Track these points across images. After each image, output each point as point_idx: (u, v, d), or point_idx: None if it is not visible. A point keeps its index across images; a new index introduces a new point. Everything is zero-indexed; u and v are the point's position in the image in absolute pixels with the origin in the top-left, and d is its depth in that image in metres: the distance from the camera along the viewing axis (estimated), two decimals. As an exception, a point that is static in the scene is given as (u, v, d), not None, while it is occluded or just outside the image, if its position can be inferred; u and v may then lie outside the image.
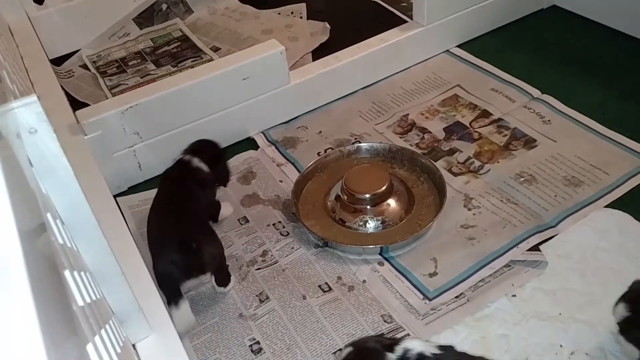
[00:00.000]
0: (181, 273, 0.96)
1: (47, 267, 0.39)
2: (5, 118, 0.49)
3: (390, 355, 0.73)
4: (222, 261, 1.04)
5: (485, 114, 1.36)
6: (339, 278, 1.05)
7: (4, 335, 0.28)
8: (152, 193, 1.27)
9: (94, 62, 1.66)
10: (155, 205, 1.07)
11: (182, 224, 1.01)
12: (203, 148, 1.14)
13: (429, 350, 0.74)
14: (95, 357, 0.46)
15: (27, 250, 0.32)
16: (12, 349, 0.28)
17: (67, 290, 0.46)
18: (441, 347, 0.76)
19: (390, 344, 0.76)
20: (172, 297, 0.94)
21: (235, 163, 1.32)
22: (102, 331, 0.54)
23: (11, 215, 0.33)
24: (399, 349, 0.74)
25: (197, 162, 1.10)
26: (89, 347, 0.45)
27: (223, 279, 1.04)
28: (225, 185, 1.20)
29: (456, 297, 0.98)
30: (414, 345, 0.74)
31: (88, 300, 0.53)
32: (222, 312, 1.02)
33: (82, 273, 0.56)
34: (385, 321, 0.96)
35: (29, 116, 0.50)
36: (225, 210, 1.18)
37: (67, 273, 0.48)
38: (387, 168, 1.23)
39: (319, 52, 1.54)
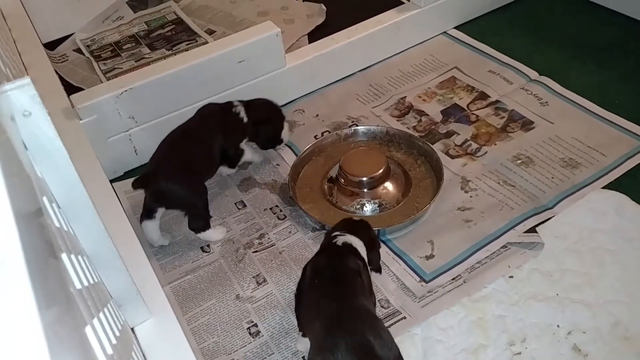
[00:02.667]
0: (148, 198, 1.08)
1: (44, 250, 0.39)
2: (-1, 101, 0.49)
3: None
4: (192, 206, 1.08)
5: (482, 96, 1.35)
6: (337, 261, 1.05)
7: (2, 318, 0.28)
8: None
9: (87, 46, 1.65)
10: (179, 127, 1.11)
11: (169, 155, 1.07)
12: (257, 103, 1.20)
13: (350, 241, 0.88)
14: (94, 341, 0.46)
15: (24, 234, 0.32)
16: (10, 331, 0.27)
17: (64, 273, 0.46)
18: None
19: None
20: (142, 214, 1.09)
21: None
22: (101, 314, 0.54)
23: (7, 199, 0.33)
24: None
25: (239, 109, 1.16)
26: (88, 330, 0.45)
27: (194, 224, 1.09)
28: (262, 147, 1.24)
29: (453, 279, 0.99)
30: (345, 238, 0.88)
31: (86, 284, 0.53)
32: (219, 294, 1.02)
33: (79, 257, 0.56)
34: (382, 306, 0.97)
35: (23, 98, 0.49)
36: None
37: (64, 256, 0.48)
38: (384, 151, 1.23)
39: (315, 34, 1.53)
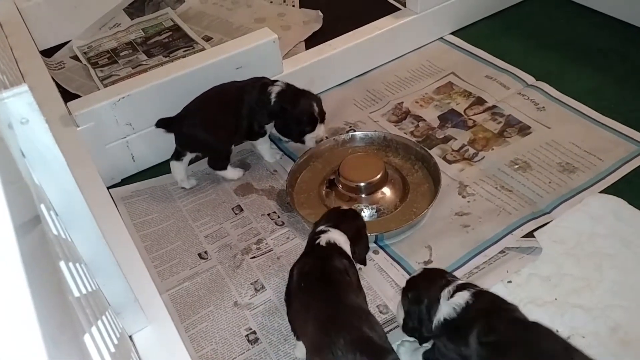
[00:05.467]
0: (175, 141, 1.19)
1: (42, 258, 0.39)
2: (-4, 109, 0.49)
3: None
4: (212, 152, 1.21)
5: (479, 101, 1.36)
6: (335, 267, 1.05)
7: (2, 327, 0.28)
8: (146, 184, 1.27)
9: (84, 53, 1.65)
10: (220, 85, 1.21)
11: (200, 108, 1.17)
12: (295, 94, 1.19)
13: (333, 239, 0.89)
14: (92, 348, 0.46)
15: (22, 242, 0.32)
16: (10, 340, 0.27)
17: (62, 281, 0.46)
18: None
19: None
20: (172, 155, 1.21)
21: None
22: (99, 322, 0.53)
23: (5, 207, 0.33)
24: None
25: (274, 90, 1.17)
26: (86, 339, 0.45)
27: (213, 164, 1.22)
28: (279, 133, 1.24)
29: (452, 284, 0.99)
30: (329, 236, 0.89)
31: (84, 292, 0.53)
32: (217, 301, 1.02)
33: (77, 264, 0.55)
34: (380, 312, 0.96)
35: (20, 106, 0.49)
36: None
37: (62, 264, 0.48)
38: (382, 156, 1.23)
39: (312, 41, 1.53)
